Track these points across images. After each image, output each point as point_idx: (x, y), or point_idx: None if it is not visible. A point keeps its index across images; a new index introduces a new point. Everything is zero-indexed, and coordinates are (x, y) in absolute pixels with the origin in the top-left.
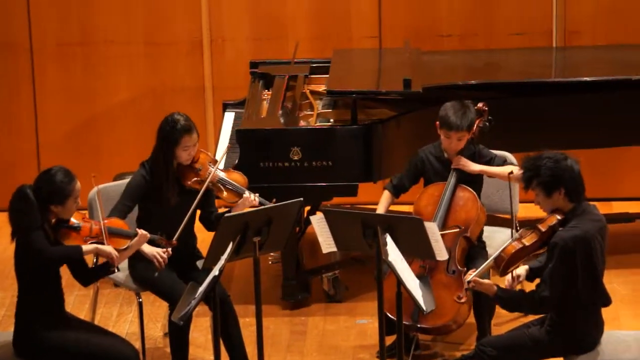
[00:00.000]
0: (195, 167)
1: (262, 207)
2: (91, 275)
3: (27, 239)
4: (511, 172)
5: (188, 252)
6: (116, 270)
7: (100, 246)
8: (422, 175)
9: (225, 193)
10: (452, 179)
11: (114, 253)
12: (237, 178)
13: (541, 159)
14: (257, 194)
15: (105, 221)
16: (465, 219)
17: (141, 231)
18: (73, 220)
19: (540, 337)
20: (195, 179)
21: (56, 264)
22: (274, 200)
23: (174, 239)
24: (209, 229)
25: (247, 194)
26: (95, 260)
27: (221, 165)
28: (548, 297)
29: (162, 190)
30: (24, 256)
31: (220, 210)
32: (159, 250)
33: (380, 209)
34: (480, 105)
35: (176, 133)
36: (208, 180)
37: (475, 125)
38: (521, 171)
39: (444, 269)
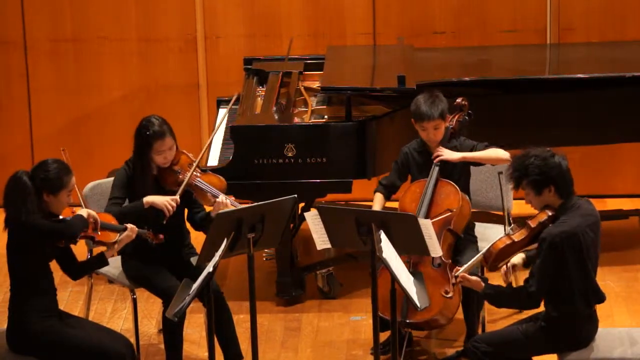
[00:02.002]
0: (175, 169)
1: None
2: (81, 268)
3: (28, 222)
4: (501, 172)
5: (179, 249)
6: (107, 264)
7: (89, 210)
8: (408, 171)
9: (202, 195)
10: (433, 174)
11: (96, 215)
12: (214, 181)
13: (528, 157)
14: (231, 197)
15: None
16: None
17: (130, 225)
18: (61, 217)
19: (535, 333)
20: (174, 181)
21: (72, 238)
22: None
23: (176, 195)
24: (195, 228)
25: (220, 197)
26: (89, 254)
27: (215, 162)
28: (535, 292)
29: (139, 195)
30: (21, 243)
31: (208, 209)
32: (168, 199)
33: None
34: (458, 100)
35: (149, 138)
36: (185, 183)
37: (455, 120)
38: (510, 170)
39: (430, 263)
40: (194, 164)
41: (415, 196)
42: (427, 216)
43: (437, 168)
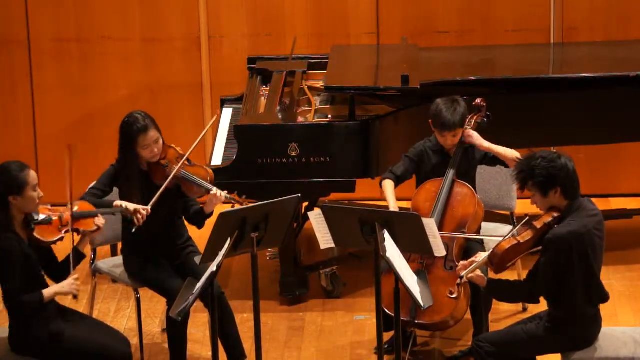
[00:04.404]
0: (162, 163)
1: (258, 203)
2: (62, 270)
3: None
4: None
5: (180, 246)
6: (85, 256)
7: (57, 290)
8: (418, 169)
9: (189, 188)
10: (449, 175)
11: (72, 290)
12: (201, 172)
13: (535, 159)
14: (225, 192)
15: (74, 207)
16: (463, 216)
17: (101, 219)
18: (41, 215)
19: (538, 333)
20: (162, 175)
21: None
22: (244, 197)
23: (149, 206)
24: (187, 221)
25: (214, 190)
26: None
27: (218, 161)
28: (537, 291)
29: (128, 189)
30: None
31: (203, 200)
32: (140, 207)
33: (392, 202)
34: (478, 101)
35: (132, 133)
36: (171, 176)
37: (474, 122)
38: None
39: (442, 265)
40: (183, 157)
41: (430, 195)
42: (442, 217)
43: (453, 169)
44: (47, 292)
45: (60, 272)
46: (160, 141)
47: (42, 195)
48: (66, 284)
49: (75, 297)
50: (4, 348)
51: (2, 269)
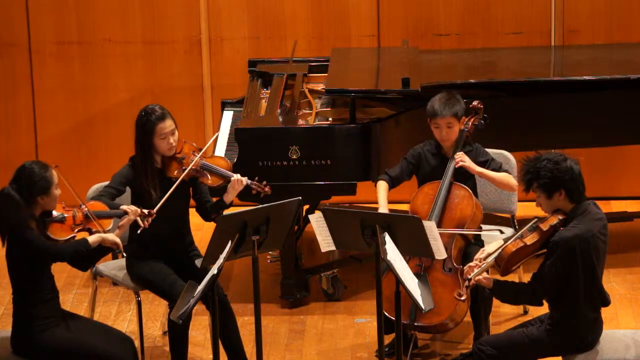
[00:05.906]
0: (178, 157)
1: (259, 202)
2: (87, 259)
3: (24, 239)
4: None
5: (184, 249)
6: (109, 251)
7: (104, 235)
8: (417, 171)
9: (210, 178)
10: (447, 177)
11: (117, 240)
12: (220, 162)
13: (540, 160)
14: (245, 177)
15: (85, 206)
16: (460, 217)
17: (132, 208)
18: (55, 212)
19: (539, 336)
20: (178, 167)
21: (66, 261)
22: (265, 182)
23: (154, 210)
24: (205, 219)
25: (235, 176)
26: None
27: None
28: (541, 294)
29: (144, 185)
30: (20, 256)
31: (215, 199)
32: (145, 211)
33: (382, 201)
34: (475, 103)
35: (150, 122)
36: (190, 167)
37: (471, 124)
38: (517, 181)
39: (441, 267)
40: (202, 149)
41: (428, 198)
42: (440, 219)
43: (450, 172)
44: (91, 238)
45: (85, 261)
46: (177, 133)
47: (60, 193)
48: (113, 234)
49: (118, 251)
50: (6, 350)
51: (31, 257)
